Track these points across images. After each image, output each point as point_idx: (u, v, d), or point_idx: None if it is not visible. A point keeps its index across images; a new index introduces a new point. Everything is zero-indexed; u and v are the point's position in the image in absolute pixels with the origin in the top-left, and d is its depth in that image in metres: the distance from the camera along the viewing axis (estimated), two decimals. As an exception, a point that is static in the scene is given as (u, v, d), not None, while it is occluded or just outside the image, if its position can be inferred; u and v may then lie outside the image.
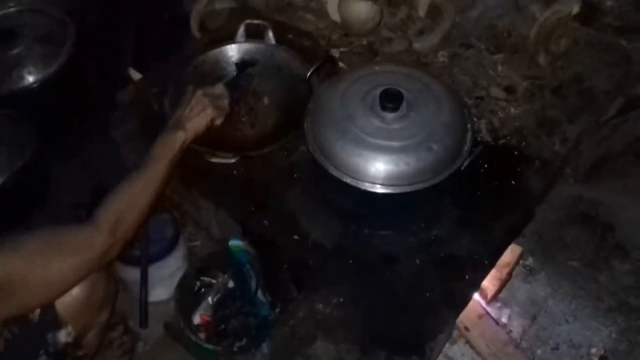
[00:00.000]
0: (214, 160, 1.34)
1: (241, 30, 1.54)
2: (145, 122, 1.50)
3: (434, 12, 1.71)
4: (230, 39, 1.58)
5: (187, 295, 1.34)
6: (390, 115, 1.16)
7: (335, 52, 1.64)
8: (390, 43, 1.69)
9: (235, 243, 1.35)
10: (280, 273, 1.32)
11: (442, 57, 1.65)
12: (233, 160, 1.34)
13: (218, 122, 1.25)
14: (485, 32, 1.68)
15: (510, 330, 1.43)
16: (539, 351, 1.43)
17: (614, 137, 1.59)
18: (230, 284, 1.35)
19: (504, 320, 1.44)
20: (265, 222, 1.32)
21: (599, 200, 1.65)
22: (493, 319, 1.40)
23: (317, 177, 1.31)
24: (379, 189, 1.13)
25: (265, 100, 1.49)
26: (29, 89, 1.62)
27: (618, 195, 1.65)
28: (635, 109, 1.59)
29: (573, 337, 1.45)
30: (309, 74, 1.29)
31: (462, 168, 1.13)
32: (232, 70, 1.53)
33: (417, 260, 1.25)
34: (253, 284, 1.33)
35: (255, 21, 1.54)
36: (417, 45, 1.66)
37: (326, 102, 1.22)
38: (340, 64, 1.59)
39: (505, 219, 1.32)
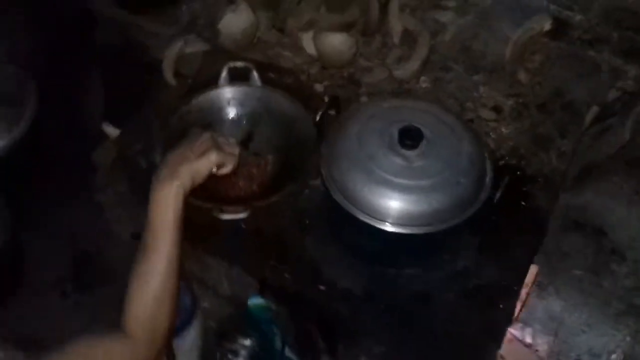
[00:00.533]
0: (225, 217, 1.26)
1: (224, 73, 1.48)
2: (134, 182, 1.40)
3: (408, 38, 1.71)
4: (211, 84, 1.51)
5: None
6: (411, 153, 1.14)
7: (319, 87, 1.61)
8: (370, 72, 1.67)
9: (255, 301, 1.29)
10: (306, 327, 1.26)
11: (424, 82, 1.65)
12: (244, 215, 1.27)
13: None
14: (461, 55, 1.70)
15: (537, 350, 1.43)
16: (563, 366, 1.43)
17: (598, 146, 1.63)
18: (254, 346, 1.28)
19: (528, 340, 1.43)
20: (286, 275, 1.26)
21: (587, 206, 1.68)
22: (520, 341, 1.40)
23: (337, 221, 1.26)
24: (413, 230, 1.11)
25: (269, 158, 1.42)
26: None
27: (605, 200, 1.69)
28: (612, 117, 1.64)
29: (592, 346, 1.46)
30: (318, 117, 1.25)
31: (495, 200, 1.11)
32: (220, 118, 1.46)
33: (450, 295, 1.23)
34: (278, 342, 1.27)
35: (238, 63, 1.48)
36: (397, 73, 1.65)
37: (342, 144, 1.19)
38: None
39: (522, 240, 1.32)
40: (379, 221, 1.10)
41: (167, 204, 0.90)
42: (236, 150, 1.03)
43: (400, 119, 1.17)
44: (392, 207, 1.10)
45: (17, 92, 1.56)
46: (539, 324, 1.47)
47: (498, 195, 1.11)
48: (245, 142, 1.30)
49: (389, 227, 1.10)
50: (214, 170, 0.98)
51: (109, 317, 1.44)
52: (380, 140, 1.15)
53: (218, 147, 0.99)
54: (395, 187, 1.10)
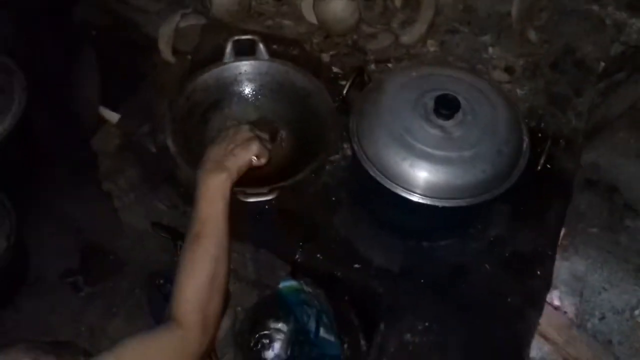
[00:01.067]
0: (251, 200, 1.20)
1: (229, 48, 1.39)
2: (144, 168, 1.32)
3: (410, 1, 1.65)
4: (213, 59, 1.42)
5: (244, 354, 1.22)
6: (448, 123, 1.10)
7: (325, 57, 1.54)
8: (375, 39, 1.61)
9: (287, 284, 1.24)
10: (341, 307, 1.23)
11: (431, 46, 1.60)
12: (271, 197, 1.21)
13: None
14: (466, 16, 1.65)
15: (565, 312, 1.43)
16: (588, 324, 1.44)
17: (608, 103, 1.62)
18: (289, 330, 1.24)
19: (557, 302, 1.44)
20: (318, 255, 1.22)
21: (597, 163, 1.69)
22: (549, 304, 1.39)
23: (367, 197, 1.22)
24: (458, 203, 1.07)
25: (282, 133, 1.35)
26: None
27: (614, 157, 1.69)
28: (618, 72, 1.63)
29: (614, 304, 1.47)
30: (345, 91, 1.19)
31: (539, 167, 1.09)
32: (228, 95, 1.39)
33: (487, 266, 1.21)
34: (312, 324, 1.23)
35: (244, 37, 1.39)
36: (404, 38, 1.60)
37: (374, 118, 1.13)
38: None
39: (550, 204, 1.31)
40: (421, 196, 1.06)
41: (217, 194, 0.95)
42: (269, 144, 1.09)
43: (432, 88, 1.13)
44: (433, 180, 1.06)
45: (3, 80, 1.44)
46: (565, 285, 1.47)
47: (542, 161, 1.08)
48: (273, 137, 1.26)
49: (431, 202, 1.05)
50: (254, 161, 1.03)
51: (124, 307, 1.40)
52: (414, 111, 1.10)
53: (258, 139, 1.04)
54: (436, 160, 1.06)
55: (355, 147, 1.13)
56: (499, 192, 1.07)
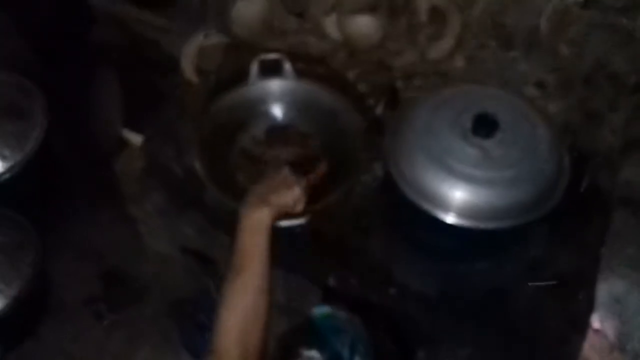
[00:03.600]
0: (283, 224, 1.16)
1: (255, 68, 1.37)
2: (171, 192, 1.29)
3: (436, 16, 1.61)
4: (237, 79, 1.40)
5: (278, 382, 1.17)
6: (488, 143, 1.07)
7: (351, 75, 1.51)
8: (401, 55, 1.58)
9: (320, 310, 1.20)
10: (377, 333, 1.18)
11: (459, 62, 1.57)
12: (302, 220, 1.18)
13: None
14: (493, 31, 1.61)
15: (606, 335, 1.39)
16: (628, 346, 1.39)
17: (641, 117, 1.59)
18: (322, 358, 1.19)
19: (597, 326, 1.39)
20: (352, 280, 1.18)
21: (631, 180, 1.64)
22: (590, 327, 1.35)
23: (402, 220, 1.18)
24: (500, 225, 1.03)
25: (325, 164, 1.29)
26: (8, 175, 1.34)
27: (647, 173, 1.65)
28: (651, 85, 1.59)
29: (654, 325, 1.43)
30: (380, 111, 1.15)
31: (583, 188, 1.05)
32: (254, 116, 1.36)
33: (527, 289, 1.16)
34: (346, 352, 1.19)
35: (270, 56, 1.37)
36: (431, 54, 1.56)
37: (410, 137, 1.10)
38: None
39: (589, 224, 1.26)
40: (461, 218, 1.02)
41: (259, 228, 0.97)
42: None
43: (469, 107, 1.10)
44: (475, 202, 1.03)
45: (24, 103, 1.42)
46: (604, 307, 1.43)
47: (585, 182, 1.04)
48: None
49: (472, 224, 1.02)
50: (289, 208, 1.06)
51: (150, 336, 1.36)
52: (452, 130, 1.07)
53: (300, 185, 1.08)
54: (477, 180, 1.03)
55: (391, 169, 1.10)
56: (542, 213, 1.03)
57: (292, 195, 1.06)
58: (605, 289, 1.46)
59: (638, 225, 1.58)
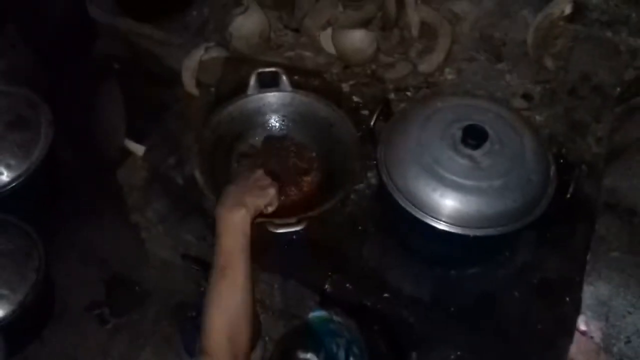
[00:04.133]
0: (279, 230, 1.21)
1: (253, 81, 1.41)
2: (172, 200, 1.34)
3: (426, 31, 1.68)
4: (236, 92, 1.44)
5: (276, 383, 1.22)
6: (477, 153, 1.11)
7: (345, 87, 1.56)
8: (393, 68, 1.64)
9: (317, 314, 1.24)
10: (372, 336, 1.23)
11: (449, 74, 1.63)
12: (299, 227, 1.22)
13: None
14: (482, 45, 1.68)
15: (592, 337, 1.43)
16: (614, 349, 1.44)
17: (626, 128, 1.64)
18: (318, 360, 1.24)
19: (583, 327, 1.44)
20: (347, 285, 1.22)
21: (616, 187, 1.70)
22: (577, 330, 1.40)
23: (396, 226, 1.23)
24: (489, 232, 1.08)
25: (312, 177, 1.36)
26: (14, 184, 1.39)
27: (632, 180, 1.70)
28: (634, 97, 1.65)
29: (639, 327, 1.48)
30: (373, 122, 1.21)
31: (569, 195, 1.10)
32: (252, 126, 1.41)
33: (516, 293, 1.21)
34: (342, 354, 1.23)
35: (268, 69, 1.42)
36: (422, 67, 1.62)
37: (402, 148, 1.15)
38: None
39: (575, 230, 1.32)
40: (452, 225, 1.07)
41: (238, 228, 1.00)
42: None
43: (459, 118, 1.14)
44: (464, 210, 1.08)
45: (30, 115, 1.46)
46: (590, 310, 1.47)
47: (571, 189, 1.09)
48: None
49: (462, 231, 1.07)
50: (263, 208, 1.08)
51: (152, 339, 1.40)
52: (442, 141, 1.12)
53: (273, 187, 1.10)
54: (466, 189, 1.07)
55: (384, 178, 1.14)
56: (530, 220, 1.08)
57: (266, 196, 1.08)
58: (591, 291, 1.51)
59: (622, 230, 1.63)
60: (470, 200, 1.07)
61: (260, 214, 1.08)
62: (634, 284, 1.55)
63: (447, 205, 1.08)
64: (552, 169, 1.15)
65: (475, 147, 1.10)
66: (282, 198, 1.28)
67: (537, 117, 1.51)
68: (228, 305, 0.94)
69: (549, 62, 1.61)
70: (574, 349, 1.37)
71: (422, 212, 1.08)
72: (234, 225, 1.00)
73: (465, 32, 1.70)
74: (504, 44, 1.69)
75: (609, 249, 1.61)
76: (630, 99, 1.67)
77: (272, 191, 1.09)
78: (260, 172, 1.13)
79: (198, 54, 1.51)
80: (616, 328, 1.47)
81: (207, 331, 0.92)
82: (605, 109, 1.53)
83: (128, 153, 1.47)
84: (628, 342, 1.46)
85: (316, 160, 1.37)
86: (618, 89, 1.65)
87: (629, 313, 1.50)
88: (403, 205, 1.10)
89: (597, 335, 1.46)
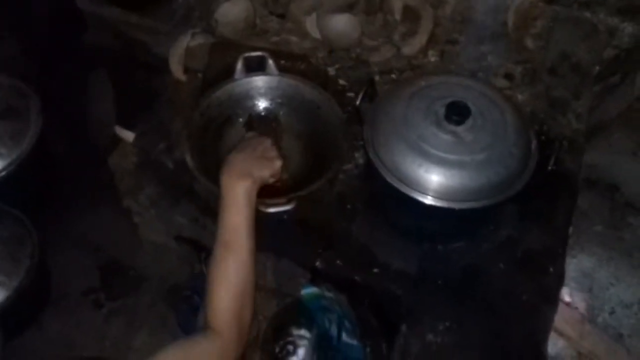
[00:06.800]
0: (271, 210, 1.24)
1: (240, 65, 1.43)
2: (163, 184, 1.36)
3: (409, 14, 1.70)
4: (224, 77, 1.47)
5: (270, 361, 1.25)
6: (460, 128, 1.14)
7: (331, 70, 1.59)
8: (377, 51, 1.66)
9: (308, 291, 1.27)
10: (362, 311, 1.26)
11: (432, 56, 1.66)
12: (289, 207, 1.25)
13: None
14: (464, 27, 1.71)
15: (576, 307, 1.48)
16: (599, 319, 1.49)
17: (604, 105, 1.68)
18: (312, 336, 1.27)
19: (567, 299, 1.48)
20: (337, 261, 1.26)
21: (596, 164, 1.74)
22: (561, 301, 1.44)
23: (383, 204, 1.26)
24: (473, 205, 1.11)
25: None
26: (5, 173, 1.40)
27: (612, 156, 1.75)
28: (612, 75, 1.69)
29: (623, 298, 1.52)
30: (358, 102, 1.23)
31: (550, 167, 1.13)
32: (240, 110, 1.43)
33: (501, 265, 1.25)
34: (334, 329, 1.26)
35: (254, 53, 1.44)
36: (405, 50, 1.65)
37: (387, 126, 1.18)
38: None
39: (557, 204, 1.36)
40: (438, 199, 1.10)
41: (244, 201, 0.97)
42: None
43: (442, 96, 1.17)
44: (449, 184, 1.11)
45: (19, 104, 1.47)
46: (574, 281, 1.52)
47: (552, 162, 1.13)
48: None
49: (447, 204, 1.10)
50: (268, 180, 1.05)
51: (147, 321, 1.43)
52: (426, 118, 1.15)
53: (280, 158, 1.08)
54: (450, 164, 1.10)
55: (372, 156, 1.17)
56: (512, 192, 1.11)
57: (272, 168, 1.04)
58: (574, 264, 1.56)
59: (603, 206, 1.68)
60: (454, 175, 1.10)
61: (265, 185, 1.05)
62: (617, 257, 1.60)
63: (432, 180, 1.11)
64: (534, 143, 1.19)
65: (459, 122, 1.13)
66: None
67: (519, 96, 1.55)
68: (235, 282, 0.93)
69: (529, 43, 1.64)
70: (559, 320, 1.41)
71: (409, 187, 1.11)
72: (240, 197, 0.97)
73: (447, 14, 1.73)
74: (486, 26, 1.72)
75: (592, 224, 1.65)
76: (609, 77, 1.71)
77: (278, 163, 1.06)
78: (268, 142, 1.09)
79: (185, 41, 1.52)
80: (600, 299, 1.52)
81: (214, 309, 0.91)
82: (585, 87, 1.57)
83: (119, 140, 1.48)
84: (612, 312, 1.50)
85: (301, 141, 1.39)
86: (597, 67, 1.69)
87: (612, 285, 1.55)
88: (390, 181, 1.13)
89: (581, 306, 1.50)
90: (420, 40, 1.65)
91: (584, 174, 1.73)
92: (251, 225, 0.97)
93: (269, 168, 1.04)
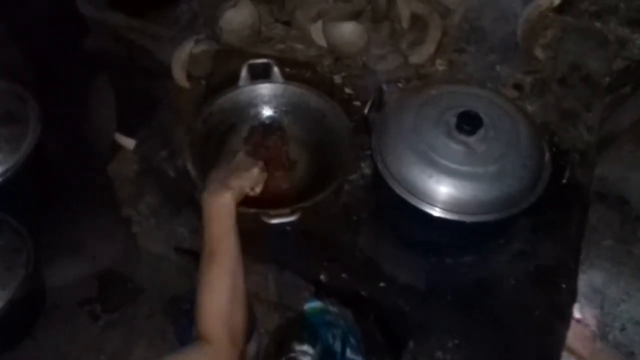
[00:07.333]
0: (274, 221, 1.20)
1: (244, 72, 1.40)
2: (165, 193, 1.32)
3: (417, 23, 1.67)
4: (227, 84, 1.43)
5: (272, 375, 1.21)
6: (471, 139, 1.11)
7: (337, 79, 1.56)
8: (384, 60, 1.63)
9: (312, 305, 1.23)
10: (367, 326, 1.22)
11: (440, 65, 1.63)
12: (293, 218, 1.21)
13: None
14: (472, 36, 1.68)
15: (587, 324, 1.44)
16: (610, 336, 1.45)
17: (615, 117, 1.65)
18: (315, 352, 1.23)
19: (578, 315, 1.44)
20: (342, 274, 1.22)
21: (606, 177, 1.71)
22: (572, 317, 1.40)
23: (390, 215, 1.23)
24: (486, 218, 1.08)
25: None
26: (2, 179, 1.36)
27: (622, 169, 1.71)
28: (623, 87, 1.66)
29: (634, 314, 1.49)
30: (367, 111, 1.20)
31: (565, 180, 1.10)
32: (243, 118, 1.40)
33: (512, 280, 1.21)
34: (338, 345, 1.22)
35: (259, 60, 1.41)
36: (413, 59, 1.62)
37: (397, 136, 1.15)
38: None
39: (569, 217, 1.32)
40: (448, 212, 1.07)
41: (225, 212, 0.99)
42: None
43: (453, 105, 1.14)
44: (460, 196, 1.07)
45: (18, 110, 1.44)
46: (584, 297, 1.49)
47: (567, 174, 1.09)
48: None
49: (459, 217, 1.06)
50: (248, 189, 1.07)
51: (146, 334, 1.38)
52: (436, 128, 1.12)
53: (257, 166, 1.09)
54: (462, 175, 1.07)
55: (380, 166, 1.13)
56: (525, 206, 1.08)
57: (251, 176, 1.07)
58: (585, 280, 1.52)
59: (613, 219, 1.65)
60: (466, 187, 1.06)
61: (249, 197, 1.07)
62: (627, 272, 1.56)
63: (443, 192, 1.07)
64: (547, 154, 1.15)
65: (470, 133, 1.10)
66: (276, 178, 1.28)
67: (529, 107, 1.52)
68: (219, 289, 0.93)
69: (538, 53, 1.61)
70: (570, 336, 1.37)
71: (418, 199, 1.08)
72: (219, 209, 0.99)
73: (456, 23, 1.70)
74: (495, 36, 1.69)
75: (601, 237, 1.62)
76: (619, 89, 1.68)
77: (255, 170, 1.08)
78: (240, 154, 1.12)
79: (188, 47, 1.49)
80: (611, 316, 1.48)
81: (202, 318, 0.92)
82: (595, 98, 1.54)
83: (119, 147, 1.45)
84: (623, 329, 1.47)
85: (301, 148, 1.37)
86: (607, 78, 1.66)
87: (623, 301, 1.51)
88: (399, 192, 1.09)
89: (592, 323, 1.46)
90: (428, 49, 1.62)
91: (594, 187, 1.70)
92: (234, 233, 0.98)
93: (247, 178, 1.06)
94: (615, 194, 1.71)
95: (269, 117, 1.42)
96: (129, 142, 1.43)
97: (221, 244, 0.97)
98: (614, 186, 1.73)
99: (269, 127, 1.38)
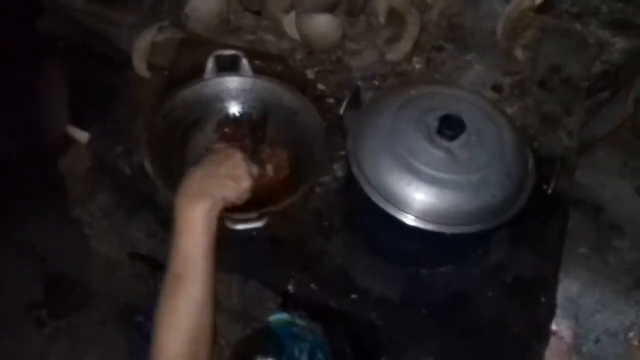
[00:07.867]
0: (239, 227, 1.11)
1: (210, 64, 1.31)
2: (119, 192, 1.22)
3: (394, 18, 1.60)
4: (191, 76, 1.33)
5: (233, 392, 1.12)
6: (453, 145, 1.04)
7: (310, 74, 1.47)
8: (360, 55, 1.56)
9: (277, 317, 1.15)
10: (337, 340, 1.15)
11: (417, 63, 1.56)
12: (260, 223, 1.12)
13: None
14: (451, 33, 1.62)
15: (562, 337, 1.39)
16: (584, 349, 1.41)
17: (594, 122, 1.61)
18: (279, 366, 1.15)
19: (554, 327, 1.40)
20: (312, 285, 1.14)
21: (582, 183, 1.67)
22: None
23: (365, 222, 1.15)
24: (466, 230, 1.01)
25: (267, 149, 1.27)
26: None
27: (598, 175, 1.68)
28: (601, 91, 1.62)
29: (609, 326, 1.45)
30: (342, 110, 1.12)
31: (549, 191, 1.04)
32: (208, 114, 1.31)
33: (489, 293, 1.15)
34: (304, 359, 1.14)
35: (227, 52, 1.31)
36: (390, 55, 1.54)
37: (374, 138, 1.07)
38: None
39: (548, 227, 1.27)
40: (429, 223, 0.99)
41: (200, 226, 0.79)
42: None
43: (434, 107, 1.07)
44: (441, 206, 1.00)
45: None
46: (560, 308, 1.43)
47: (552, 184, 1.03)
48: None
49: (439, 229, 0.99)
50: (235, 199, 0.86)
51: (95, 344, 1.28)
52: (416, 131, 1.04)
53: (250, 175, 0.87)
54: (443, 183, 1.00)
55: (355, 170, 1.06)
56: (509, 217, 1.01)
57: (238, 189, 0.85)
58: (560, 289, 1.47)
59: (590, 226, 1.60)
60: (446, 195, 0.99)
61: (233, 206, 0.87)
62: (602, 281, 1.52)
63: (422, 200, 1.00)
64: (530, 162, 1.09)
65: (452, 138, 1.03)
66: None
67: (508, 109, 1.47)
68: (186, 325, 0.76)
69: (518, 53, 1.56)
70: (549, 352, 1.32)
71: (395, 207, 1.01)
72: (195, 220, 0.79)
73: (434, 20, 1.64)
74: (474, 34, 1.63)
75: (577, 245, 1.57)
76: (598, 93, 1.64)
77: (245, 184, 0.86)
78: (238, 157, 0.88)
79: (150, 34, 1.39)
80: (585, 327, 1.44)
81: (157, 356, 0.76)
82: (576, 102, 1.49)
83: (71, 141, 1.34)
84: (597, 341, 1.42)
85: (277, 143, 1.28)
86: (586, 82, 1.62)
87: (597, 311, 1.47)
88: (374, 199, 1.01)
89: (567, 335, 1.42)
90: (405, 45, 1.55)
91: (571, 193, 1.66)
92: (209, 254, 0.79)
93: (234, 189, 0.84)
94: (591, 201, 1.67)
95: (237, 113, 1.33)
96: (82, 136, 1.33)
97: (191, 266, 0.78)
98: (589, 193, 1.68)
99: (239, 121, 1.29)
